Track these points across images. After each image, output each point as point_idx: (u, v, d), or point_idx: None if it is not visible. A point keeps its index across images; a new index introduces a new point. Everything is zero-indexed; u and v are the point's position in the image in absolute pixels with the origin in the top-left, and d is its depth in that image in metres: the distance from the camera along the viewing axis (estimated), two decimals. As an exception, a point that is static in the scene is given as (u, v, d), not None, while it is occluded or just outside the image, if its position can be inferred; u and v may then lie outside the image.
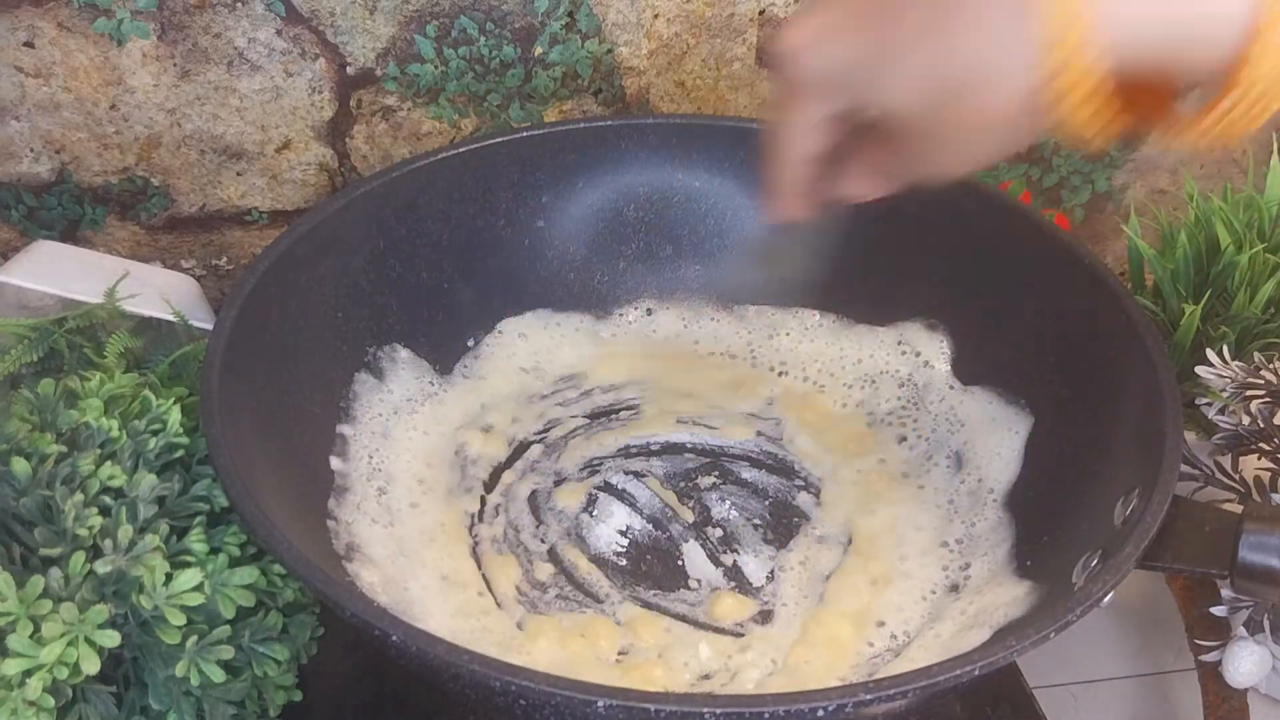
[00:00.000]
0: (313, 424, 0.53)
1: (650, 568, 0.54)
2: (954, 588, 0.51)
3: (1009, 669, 0.52)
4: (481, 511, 0.56)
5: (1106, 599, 0.39)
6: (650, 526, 0.56)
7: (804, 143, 0.42)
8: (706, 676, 0.48)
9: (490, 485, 0.57)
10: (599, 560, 0.54)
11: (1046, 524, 0.51)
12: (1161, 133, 0.38)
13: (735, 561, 0.54)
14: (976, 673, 0.36)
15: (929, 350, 0.61)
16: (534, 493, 0.57)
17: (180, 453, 0.46)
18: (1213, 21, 0.33)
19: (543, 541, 0.54)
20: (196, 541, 0.43)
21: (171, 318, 0.55)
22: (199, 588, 0.41)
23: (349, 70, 0.64)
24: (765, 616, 0.51)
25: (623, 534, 0.55)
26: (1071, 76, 0.33)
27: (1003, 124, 0.36)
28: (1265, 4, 0.32)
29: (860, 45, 0.37)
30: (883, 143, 0.41)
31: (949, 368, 0.61)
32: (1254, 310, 0.57)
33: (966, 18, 0.34)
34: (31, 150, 0.65)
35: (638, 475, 0.58)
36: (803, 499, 0.57)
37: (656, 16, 0.65)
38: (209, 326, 0.55)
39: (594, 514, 0.56)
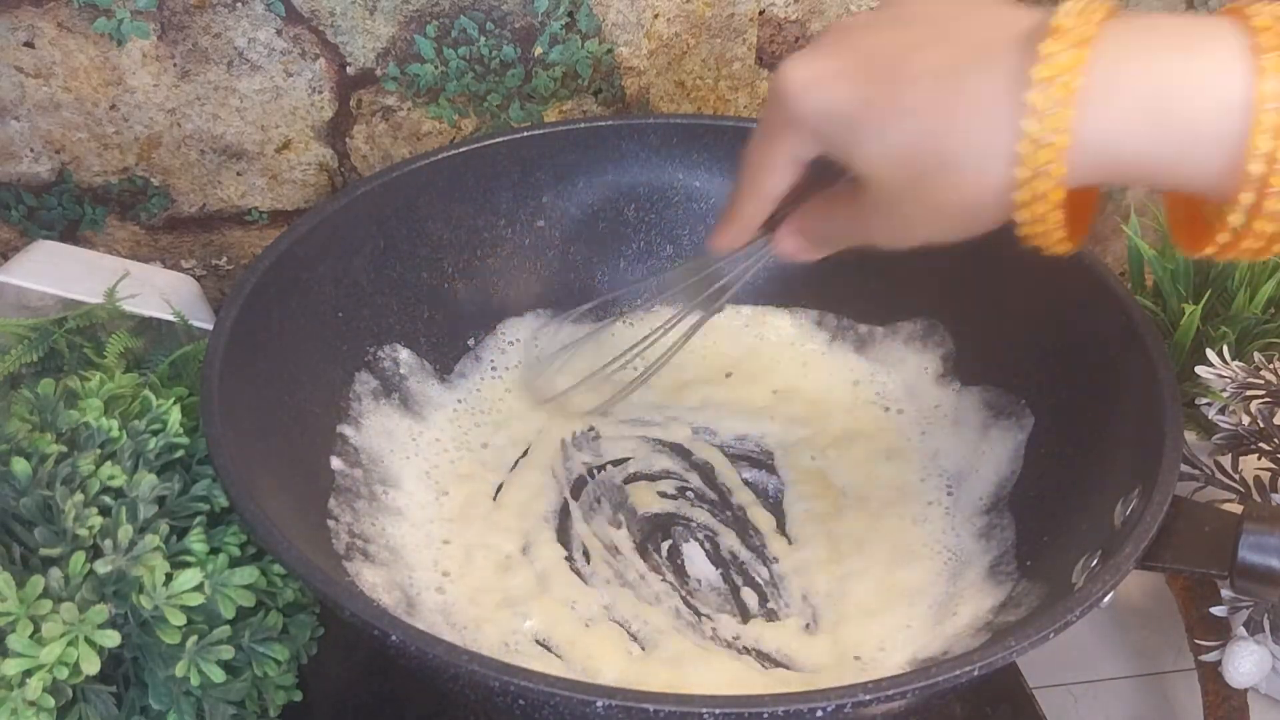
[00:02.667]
0: (313, 424, 0.53)
1: (655, 564, 0.54)
2: (953, 587, 0.51)
3: (1009, 669, 0.52)
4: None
5: (1106, 599, 0.39)
6: (650, 527, 0.56)
7: (778, 179, 0.42)
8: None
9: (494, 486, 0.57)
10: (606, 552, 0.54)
11: (1046, 524, 0.51)
12: (1182, 247, 0.38)
13: (739, 559, 0.54)
14: (976, 673, 0.36)
15: (929, 350, 0.61)
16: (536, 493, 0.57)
17: (180, 453, 0.46)
18: (1199, 145, 0.32)
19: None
20: (196, 541, 0.43)
21: (171, 318, 0.55)
22: (199, 588, 0.41)
23: (349, 70, 0.64)
24: (770, 615, 0.51)
25: (619, 529, 0.55)
26: (1043, 184, 0.33)
27: (971, 211, 0.36)
28: (1258, 132, 0.31)
29: (858, 99, 0.37)
30: (838, 203, 0.42)
31: (949, 368, 0.61)
32: (1254, 310, 0.57)
33: (967, 101, 0.34)
34: (31, 150, 0.65)
35: (637, 477, 0.58)
36: (801, 497, 0.57)
37: (656, 16, 0.65)
38: (209, 326, 0.55)
39: (594, 515, 0.56)
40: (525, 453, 0.59)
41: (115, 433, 0.44)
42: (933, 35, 0.36)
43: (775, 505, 0.57)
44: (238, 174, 0.67)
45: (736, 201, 0.44)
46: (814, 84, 0.38)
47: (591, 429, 0.60)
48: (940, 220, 0.37)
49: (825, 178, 0.42)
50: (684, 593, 0.53)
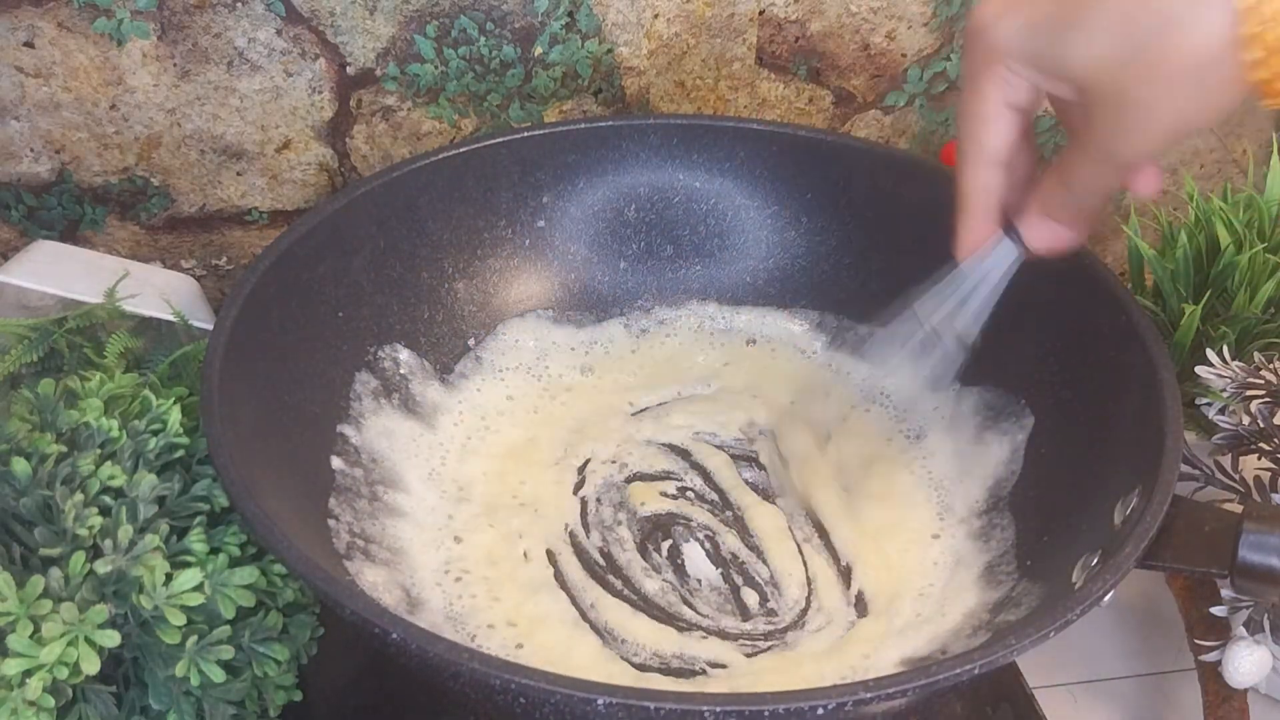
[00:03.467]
0: (313, 424, 0.53)
1: (656, 565, 0.54)
2: (947, 588, 0.51)
3: (1009, 669, 0.53)
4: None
5: (1106, 599, 0.39)
6: (651, 527, 0.56)
7: (998, 131, 0.40)
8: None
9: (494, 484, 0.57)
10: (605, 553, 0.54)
11: (1046, 524, 0.51)
12: None
13: (739, 559, 0.54)
14: (976, 672, 0.36)
15: (928, 350, 0.61)
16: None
17: (180, 453, 0.46)
18: None
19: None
20: (196, 541, 0.43)
21: (171, 318, 0.55)
22: (199, 588, 0.41)
23: (349, 70, 0.64)
24: (771, 614, 0.52)
25: (620, 526, 0.55)
26: (1270, 6, 0.32)
27: (1197, 76, 0.34)
28: None
29: (1050, 7, 0.37)
30: (1068, 156, 0.40)
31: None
32: (1254, 310, 0.57)
33: None
34: (31, 150, 0.65)
35: (638, 477, 0.58)
36: (801, 497, 0.57)
37: (656, 16, 0.65)
38: (209, 326, 0.55)
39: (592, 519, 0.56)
40: (526, 453, 0.59)
41: (115, 433, 0.44)
42: None
43: (775, 505, 0.57)
44: (238, 174, 0.67)
45: (963, 177, 0.42)
46: (1006, 10, 0.38)
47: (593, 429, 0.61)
48: (1174, 94, 0.35)
49: (1044, 165, 0.41)
50: (684, 592, 0.53)
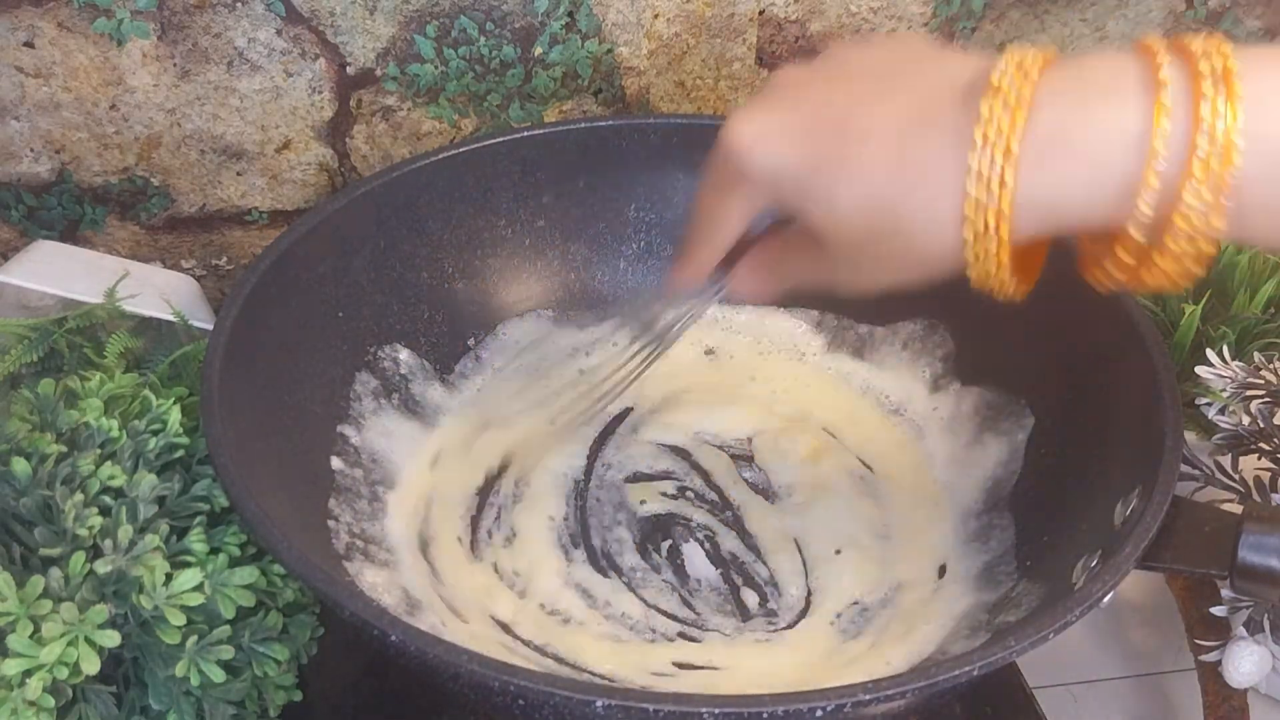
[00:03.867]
0: (313, 424, 0.53)
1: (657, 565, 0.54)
2: (950, 586, 0.51)
3: (1009, 669, 0.52)
4: (479, 516, 0.56)
5: (1106, 599, 0.39)
6: (651, 527, 0.56)
7: (730, 228, 0.42)
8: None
9: (494, 483, 0.57)
10: (607, 556, 0.54)
11: (1046, 524, 0.51)
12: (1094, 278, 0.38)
13: (739, 559, 0.54)
14: (976, 673, 0.36)
15: (929, 350, 0.61)
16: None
17: (180, 453, 0.46)
18: (1116, 189, 0.33)
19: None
20: (196, 541, 0.43)
21: (171, 318, 0.55)
22: (199, 588, 0.41)
23: (349, 70, 0.64)
24: (770, 614, 0.52)
25: (620, 527, 0.55)
26: (990, 242, 0.34)
27: (925, 264, 0.37)
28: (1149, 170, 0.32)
29: (807, 157, 0.37)
30: (794, 247, 0.42)
31: (949, 368, 0.61)
32: (1254, 310, 0.57)
33: (915, 165, 0.35)
34: (31, 150, 0.65)
35: (639, 477, 0.58)
36: (800, 497, 0.57)
37: (656, 16, 0.65)
38: (209, 326, 0.55)
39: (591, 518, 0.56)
40: (526, 453, 0.59)
41: (115, 433, 0.44)
42: (878, 90, 0.37)
43: (775, 505, 0.57)
44: (238, 174, 0.67)
45: (689, 247, 0.44)
46: (761, 140, 0.38)
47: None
48: (896, 273, 0.38)
49: (779, 220, 0.43)
50: (683, 592, 0.53)
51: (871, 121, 0.36)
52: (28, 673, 0.37)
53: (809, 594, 0.53)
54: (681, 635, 0.50)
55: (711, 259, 0.44)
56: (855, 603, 0.52)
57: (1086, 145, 0.33)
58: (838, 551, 0.54)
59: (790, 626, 0.51)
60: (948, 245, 0.35)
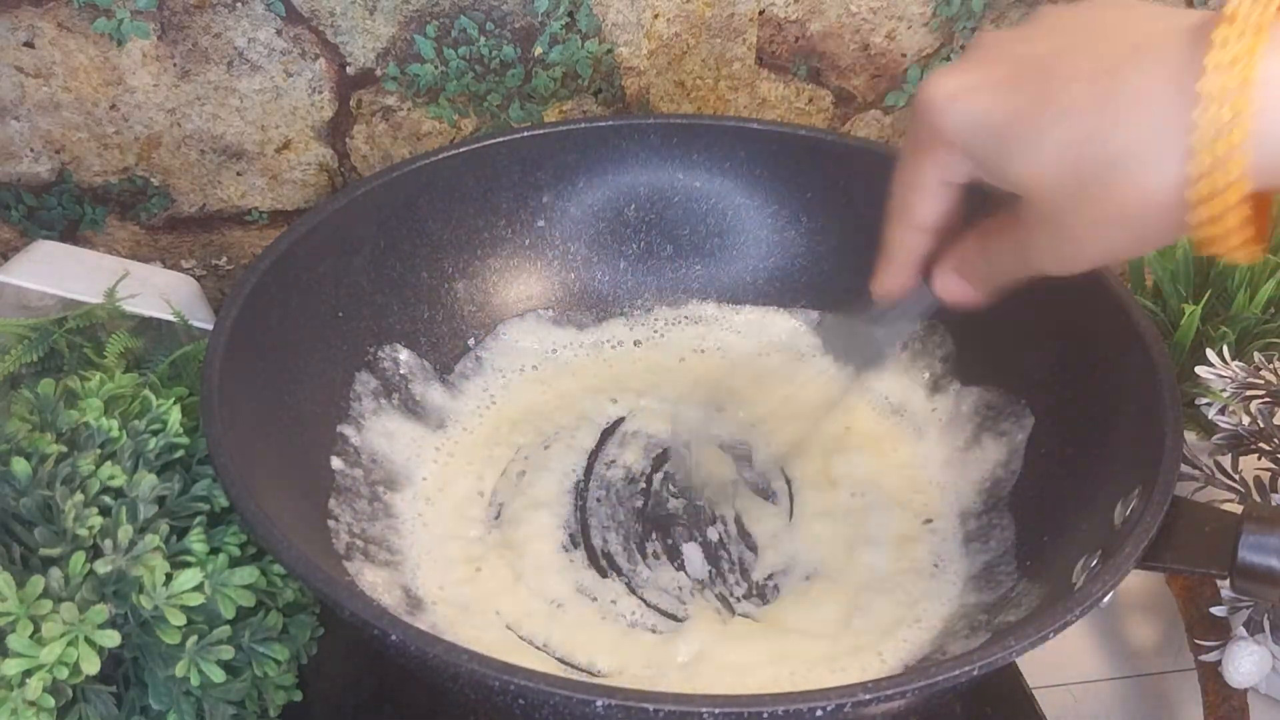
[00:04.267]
0: (313, 424, 0.53)
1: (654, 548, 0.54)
2: (949, 586, 0.51)
3: (1009, 669, 0.52)
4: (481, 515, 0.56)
5: (1106, 599, 0.39)
6: (650, 526, 0.56)
7: (929, 205, 0.39)
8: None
9: (492, 485, 0.57)
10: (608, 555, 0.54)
11: (1046, 524, 0.51)
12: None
13: (738, 559, 0.54)
14: (976, 673, 0.36)
15: (929, 350, 0.61)
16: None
17: (180, 453, 0.46)
18: None
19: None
20: (196, 541, 0.43)
21: (171, 318, 0.55)
22: (199, 588, 0.41)
23: (349, 70, 0.64)
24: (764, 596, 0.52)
25: (619, 530, 0.55)
26: (1223, 178, 0.31)
27: (1142, 218, 0.32)
28: None
29: (1009, 106, 0.34)
30: (996, 233, 0.38)
31: (949, 368, 0.61)
32: (1254, 310, 0.57)
33: (1128, 97, 0.32)
34: (31, 150, 0.65)
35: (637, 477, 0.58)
36: (800, 497, 0.57)
37: (656, 16, 0.65)
38: (209, 326, 0.55)
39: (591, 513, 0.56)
40: (527, 453, 0.59)
41: (115, 433, 0.44)
42: (1088, 38, 0.34)
43: (774, 505, 0.57)
44: (238, 174, 0.67)
45: (888, 234, 0.41)
46: (959, 96, 0.35)
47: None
48: (1110, 232, 0.33)
49: (981, 212, 0.40)
50: (684, 592, 0.53)
51: (1079, 66, 0.33)
52: (28, 673, 0.37)
53: (808, 593, 0.52)
54: (682, 634, 0.50)
55: (914, 244, 0.41)
56: (854, 601, 0.52)
57: None
58: (838, 551, 0.54)
59: (789, 625, 0.51)
60: (1170, 187, 0.31)
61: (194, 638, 0.41)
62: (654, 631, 0.51)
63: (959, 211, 0.40)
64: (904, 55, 0.69)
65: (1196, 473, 0.53)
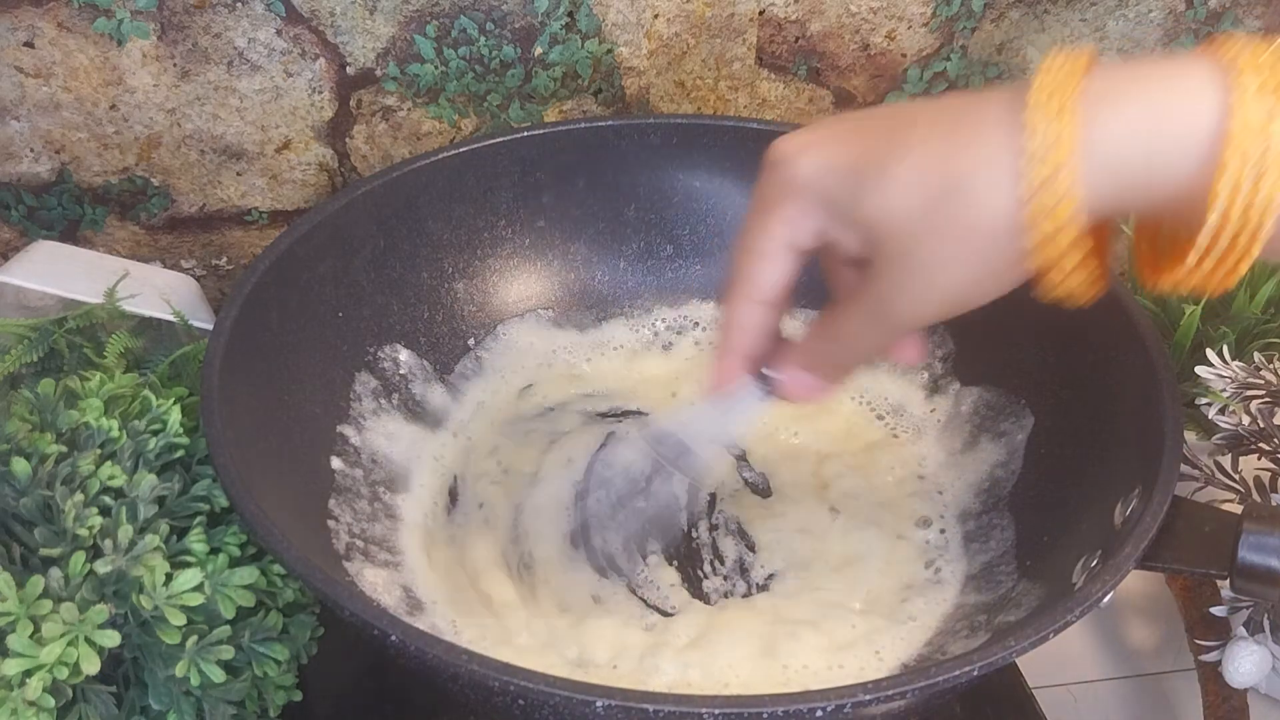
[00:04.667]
0: (313, 424, 0.53)
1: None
2: (948, 586, 0.51)
3: (1009, 669, 0.52)
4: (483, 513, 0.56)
5: (1106, 599, 0.39)
6: (650, 526, 0.56)
7: (772, 272, 0.39)
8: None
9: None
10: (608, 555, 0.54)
11: (1046, 524, 0.51)
12: (1145, 280, 0.37)
13: (737, 559, 0.54)
14: (976, 673, 0.36)
15: (928, 350, 0.61)
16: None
17: (180, 453, 0.46)
18: (1180, 142, 0.32)
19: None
20: (196, 541, 0.43)
21: (171, 318, 0.55)
22: (199, 588, 0.41)
23: (349, 70, 0.64)
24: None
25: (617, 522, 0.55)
26: (1050, 196, 0.33)
27: (990, 242, 0.34)
28: (1231, 127, 0.31)
29: (858, 149, 0.36)
30: (843, 306, 0.39)
31: (949, 368, 0.61)
32: (1254, 310, 0.57)
33: (967, 129, 0.34)
34: (31, 150, 0.65)
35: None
36: (799, 497, 0.57)
37: (656, 16, 0.65)
38: (209, 326, 0.55)
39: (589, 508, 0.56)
40: (527, 454, 0.59)
41: (115, 433, 0.44)
42: (927, 105, 0.37)
43: (774, 505, 0.57)
44: (238, 174, 0.67)
45: (727, 312, 0.41)
46: (810, 145, 0.37)
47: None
48: (961, 263, 0.35)
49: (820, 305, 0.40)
50: (683, 591, 0.53)
51: (921, 117, 0.36)
52: (28, 673, 0.37)
53: (806, 593, 0.52)
54: (680, 633, 0.50)
55: (757, 320, 0.41)
56: (852, 600, 0.52)
57: (1146, 96, 0.33)
58: (836, 551, 0.54)
59: (787, 624, 0.51)
60: (1007, 209, 0.33)
61: (194, 638, 0.41)
62: (653, 630, 0.51)
63: (792, 291, 0.40)
64: (904, 56, 0.69)
65: (1196, 473, 0.53)
